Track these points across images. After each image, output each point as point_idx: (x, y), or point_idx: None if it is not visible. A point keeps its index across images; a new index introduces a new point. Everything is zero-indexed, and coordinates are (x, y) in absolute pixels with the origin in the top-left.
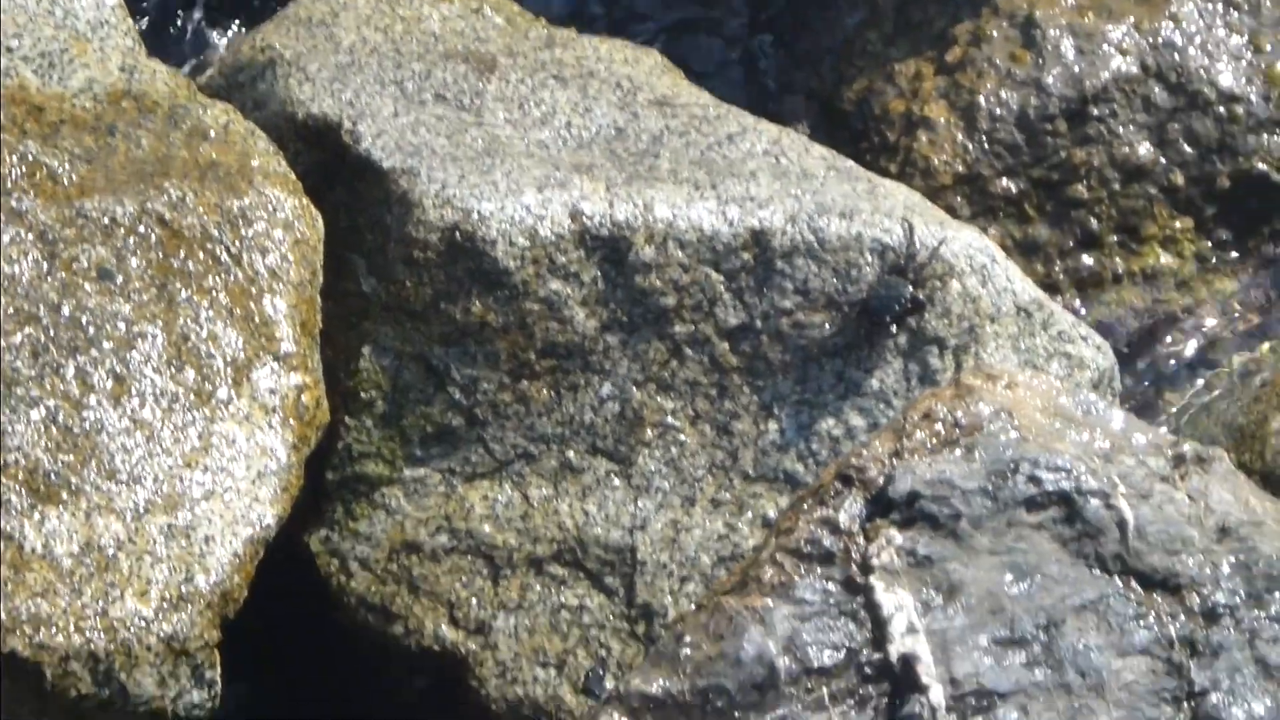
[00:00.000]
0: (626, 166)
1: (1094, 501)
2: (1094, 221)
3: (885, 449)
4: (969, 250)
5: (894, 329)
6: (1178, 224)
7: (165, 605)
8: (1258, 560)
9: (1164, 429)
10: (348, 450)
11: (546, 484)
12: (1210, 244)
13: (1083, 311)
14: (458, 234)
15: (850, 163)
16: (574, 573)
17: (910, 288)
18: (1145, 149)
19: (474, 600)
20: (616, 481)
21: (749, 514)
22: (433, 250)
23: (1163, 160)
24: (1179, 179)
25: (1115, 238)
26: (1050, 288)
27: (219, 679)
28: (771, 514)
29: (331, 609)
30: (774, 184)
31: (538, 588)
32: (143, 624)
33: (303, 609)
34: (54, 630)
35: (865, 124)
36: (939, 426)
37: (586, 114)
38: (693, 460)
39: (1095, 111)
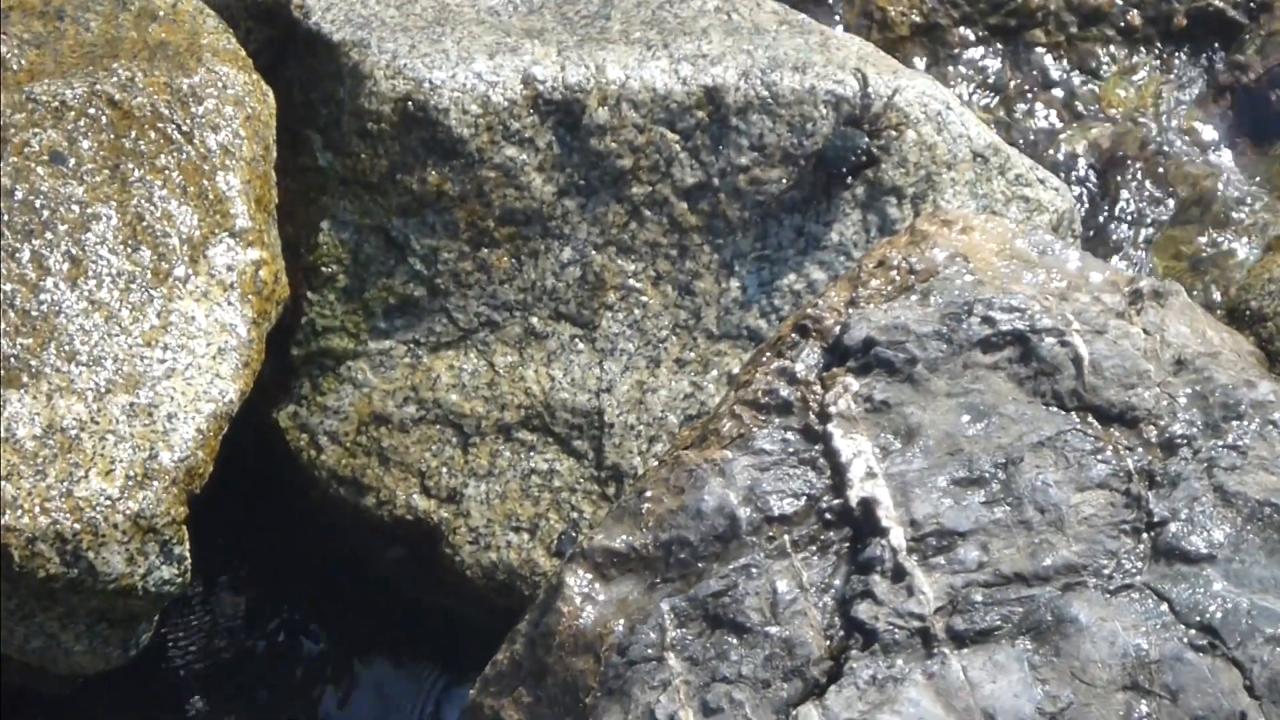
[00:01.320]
0: (578, 30)
1: (1049, 339)
2: (1053, 66)
3: (841, 298)
4: (923, 99)
5: (851, 180)
6: (1136, 63)
7: (130, 483)
8: (1214, 390)
9: (1123, 266)
10: (311, 325)
11: (511, 351)
12: (1170, 82)
13: (1042, 154)
14: (410, 104)
15: (803, 16)
16: (542, 438)
17: (866, 139)
18: None
19: (444, 469)
20: (581, 346)
21: (714, 372)
22: (386, 122)
23: (1119, 1)
24: (1136, 19)
25: (1075, 80)
26: (1010, 133)
27: (189, 555)
28: (736, 371)
29: (303, 484)
30: (726, 40)
31: (507, 454)
32: (108, 502)
33: (275, 485)
34: (19, 512)
35: None
36: (894, 273)
37: None
38: (656, 321)
39: None
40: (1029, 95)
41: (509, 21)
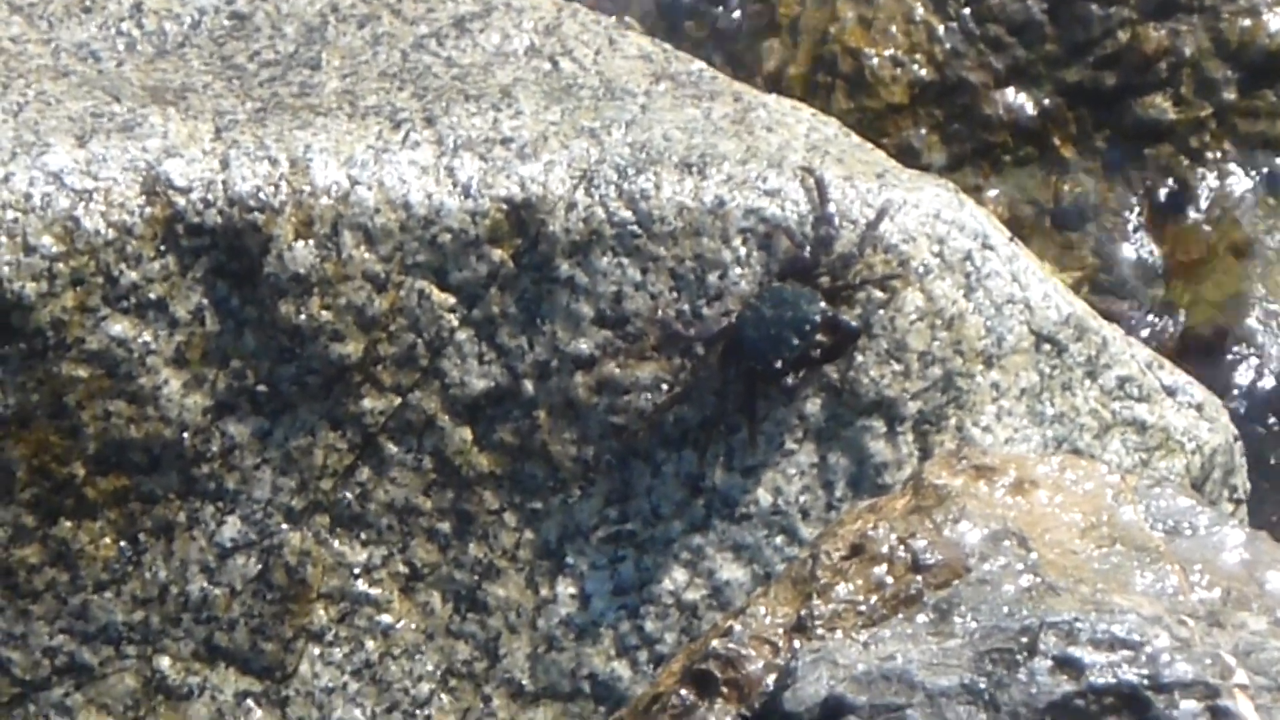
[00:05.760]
0: (255, 87)
1: (1188, 705)
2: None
3: (779, 619)
4: (937, 228)
5: (795, 386)
6: None
7: None
8: None
9: None
10: None
11: None
12: None
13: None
14: None
15: (698, 65)
16: None
17: (823, 304)
18: None
19: None
20: (258, 711)
21: None
22: None
23: None
24: None
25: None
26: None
27: None
28: None
29: None
30: (549, 111)
31: None
32: None
33: None
34: None
35: None
36: (882, 571)
37: None
38: (409, 664)
39: None
40: (1135, 207)
41: (119, 71)
